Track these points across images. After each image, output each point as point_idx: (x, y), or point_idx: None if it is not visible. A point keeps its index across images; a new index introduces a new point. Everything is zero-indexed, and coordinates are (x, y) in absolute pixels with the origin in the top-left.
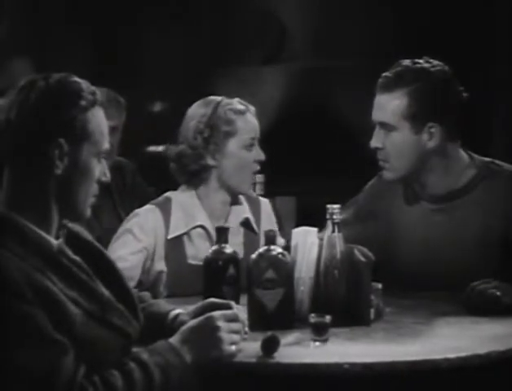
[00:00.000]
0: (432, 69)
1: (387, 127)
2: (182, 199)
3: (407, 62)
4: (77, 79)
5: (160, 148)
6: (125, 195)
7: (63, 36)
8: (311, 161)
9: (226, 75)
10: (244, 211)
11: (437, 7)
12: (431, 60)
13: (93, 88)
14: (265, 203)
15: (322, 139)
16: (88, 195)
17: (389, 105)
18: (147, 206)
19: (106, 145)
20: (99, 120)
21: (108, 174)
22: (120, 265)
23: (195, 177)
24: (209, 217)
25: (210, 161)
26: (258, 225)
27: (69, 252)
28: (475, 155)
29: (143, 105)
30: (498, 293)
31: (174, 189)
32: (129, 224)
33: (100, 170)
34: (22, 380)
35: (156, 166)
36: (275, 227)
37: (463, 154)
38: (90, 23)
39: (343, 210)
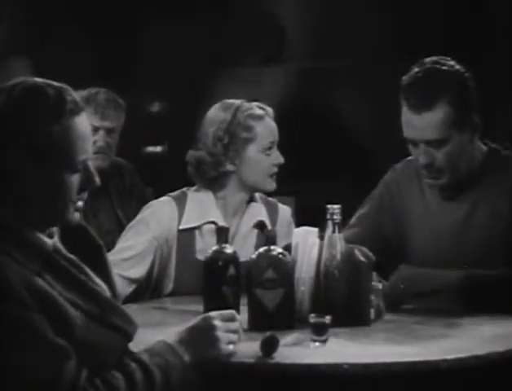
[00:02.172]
0: (456, 67)
1: (438, 142)
2: (198, 194)
3: (426, 72)
4: (44, 87)
5: (158, 149)
6: (124, 195)
7: (62, 36)
8: (310, 161)
9: (225, 75)
10: (259, 214)
11: (437, 7)
12: (438, 59)
13: (64, 96)
14: (284, 209)
15: (321, 139)
16: (66, 204)
17: (436, 122)
18: (164, 198)
19: (83, 154)
20: (72, 131)
21: (98, 180)
22: (128, 253)
23: (213, 182)
24: (224, 216)
25: (229, 167)
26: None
27: (65, 251)
28: (489, 143)
29: (142, 106)
30: (402, 286)
31: (172, 190)
32: (143, 214)
33: (82, 178)
34: (25, 387)
35: (155, 167)
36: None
37: (480, 142)
38: (89, 23)
39: (362, 207)
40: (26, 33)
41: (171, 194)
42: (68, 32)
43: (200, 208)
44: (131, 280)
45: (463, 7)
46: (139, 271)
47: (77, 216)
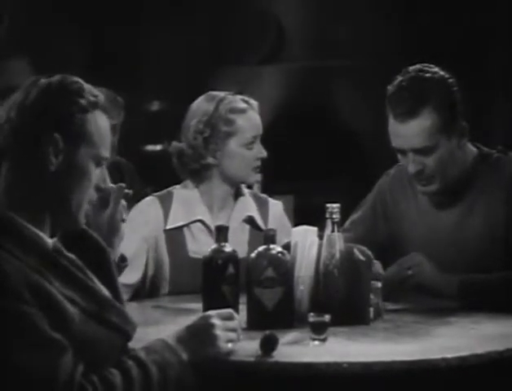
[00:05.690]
0: (440, 73)
1: (426, 150)
2: (183, 193)
3: (410, 81)
4: (79, 80)
5: (158, 148)
6: None
7: (62, 36)
8: (309, 161)
9: (224, 74)
10: (248, 209)
11: (436, 7)
12: (422, 66)
13: (96, 92)
14: (275, 204)
15: (320, 139)
16: (83, 200)
17: (423, 129)
18: (148, 197)
19: (106, 151)
20: (100, 125)
21: (109, 183)
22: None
23: (196, 174)
24: (210, 212)
25: (211, 160)
26: (266, 225)
27: (64, 250)
28: (481, 146)
29: (142, 104)
30: (410, 271)
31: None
32: (129, 217)
33: (99, 177)
34: (20, 380)
35: (154, 166)
36: (286, 229)
37: (471, 146)
38: (89, 23)
39: (355, 212)
40: (26, 33)
41: (156, 193)
42: (67, 31)
43: (186, 207)
44: (127, 286)
45: (462, 9)
46: (134, 276)
47: (83, 220)
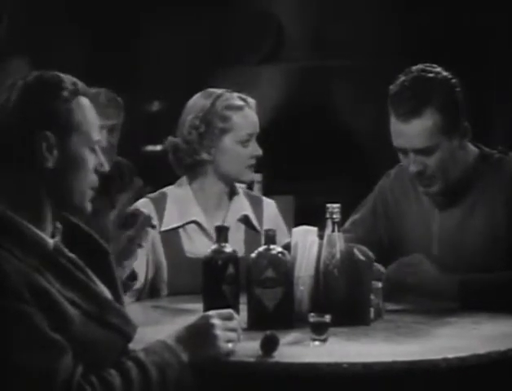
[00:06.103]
0: (443, 73)
1: (428, 150)
2: (177, 193)
3: (413, 80)
4: (55, 73)
5: (158, 148)
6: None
7: (62, 36)
8: (309, 161)
9: (224, 74)
10: (243, 208)
11: (437, 7)
12: (425, 66)
13: (74, 79)
14: (268, 203)
15: (320, 139)
16: (85, 187)
17: (425, 129)
18: (142, 200)
19: (97, 134)
20: (85, 109)
21: (106, 165)
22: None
23: (191, 170)
24: (204, 211)
25: (205, 156)
26: (260, 224)
27: (65, 250)
28: (482, 146)
29: (142, 105)
30: (409, 280)
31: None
32: None
33: (95, 161)
34: (20, 380)
35: (154, 166)
36: (280, 229)
37: (472, 146)
38: (89, 23)
39: (355, 212)
40: (26, 33)
41: (150, 195)
42: (67, 31)
43: (181, 207)
44: (133, 291)
45: (462, 9)
46: (138, 281)
47: (89, 206)
